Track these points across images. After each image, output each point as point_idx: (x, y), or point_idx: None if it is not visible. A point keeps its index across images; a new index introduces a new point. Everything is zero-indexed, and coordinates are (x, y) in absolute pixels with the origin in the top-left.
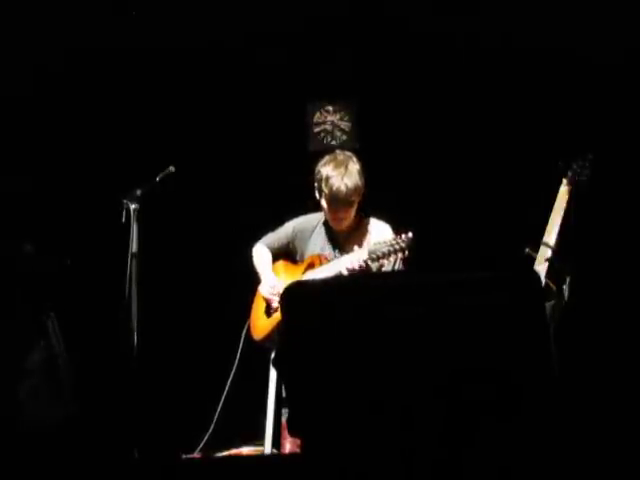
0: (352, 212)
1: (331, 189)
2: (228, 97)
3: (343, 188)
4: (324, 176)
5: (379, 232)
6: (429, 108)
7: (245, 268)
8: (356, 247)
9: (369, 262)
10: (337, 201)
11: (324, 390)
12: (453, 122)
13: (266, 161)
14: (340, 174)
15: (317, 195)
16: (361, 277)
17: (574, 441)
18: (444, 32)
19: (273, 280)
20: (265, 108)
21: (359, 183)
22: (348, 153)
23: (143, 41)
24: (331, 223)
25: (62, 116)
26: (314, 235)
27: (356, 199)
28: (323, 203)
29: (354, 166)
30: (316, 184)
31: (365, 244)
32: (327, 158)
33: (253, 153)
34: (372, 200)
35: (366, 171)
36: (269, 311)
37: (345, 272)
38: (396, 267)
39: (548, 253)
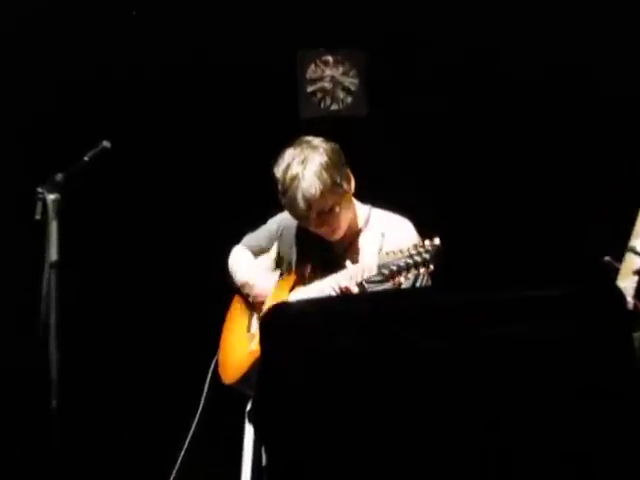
0: (340, 218)
1: (287, 204)
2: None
3: (301, 203)
4: (278, 187)
5: (395, 234)
6: (465, 59)
7: (214, 279)
8: (362, 259)
9: (379, 280)
10: (301, 218)
11: (319, 454)
12: (502, 83)
13: (244, 136)
14: (294, 181)
15: None
16: (369, 297)
17: None
18: None
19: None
20: (246, 62)
21: (328, 182)
22: (312, 141)
23: None
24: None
25: None
26: (303, 238)
27: (332, 202)
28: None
29: (315, 160)
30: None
31: (374, 253)
32: (280, 157)
33: (225, 124)
34: (382, 188)
35: (373, 147)
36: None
37: (333, 292)
38: (418, 286)
39: (637, 263)
